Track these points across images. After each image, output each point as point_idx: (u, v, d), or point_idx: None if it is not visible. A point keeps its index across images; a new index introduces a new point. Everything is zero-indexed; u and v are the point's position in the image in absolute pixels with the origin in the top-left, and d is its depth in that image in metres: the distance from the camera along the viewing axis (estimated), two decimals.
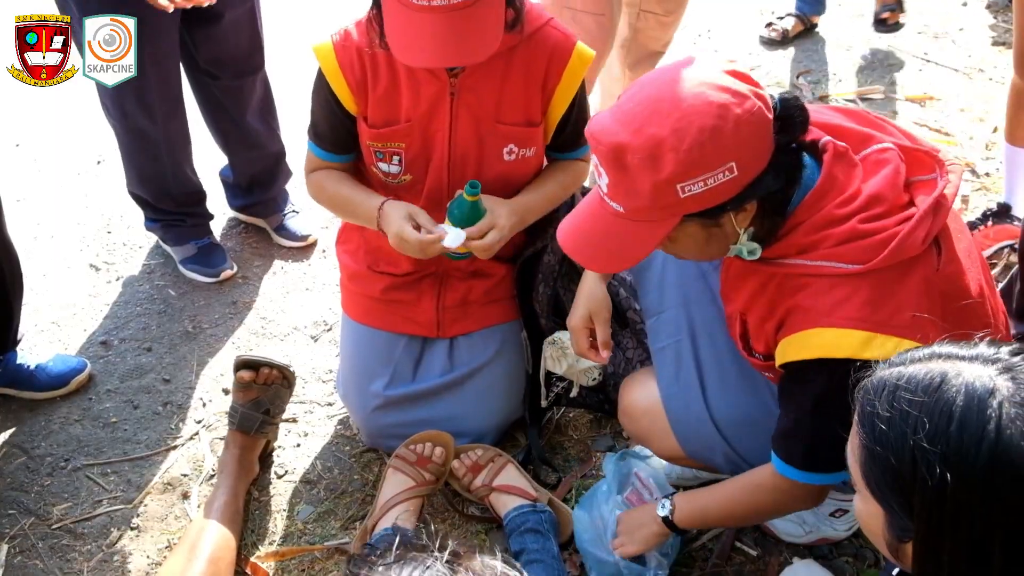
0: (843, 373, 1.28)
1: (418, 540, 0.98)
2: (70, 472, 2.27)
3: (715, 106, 1.31)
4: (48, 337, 2.69)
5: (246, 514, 2.12)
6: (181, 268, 2.89)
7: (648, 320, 1.92)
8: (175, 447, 2.33)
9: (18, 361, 2.43)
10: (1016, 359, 1.01)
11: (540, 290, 2.26)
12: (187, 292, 2.84)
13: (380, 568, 0.92)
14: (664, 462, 2.10)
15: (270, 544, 2.08)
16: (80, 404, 2.46)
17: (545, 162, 2.19)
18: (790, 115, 1.39)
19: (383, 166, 2.05)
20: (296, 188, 3.08)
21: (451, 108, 1.97)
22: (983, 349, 1.04)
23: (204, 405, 2.45)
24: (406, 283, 2.21)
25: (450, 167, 2.04)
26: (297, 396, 2.43)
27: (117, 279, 2.91)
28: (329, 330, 2.69)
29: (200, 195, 2.87)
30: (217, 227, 3.05)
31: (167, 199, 2.80)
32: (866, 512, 1.09)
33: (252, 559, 2.03)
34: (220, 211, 3.08)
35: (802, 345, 1.44)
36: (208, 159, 3.04)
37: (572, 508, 2.06)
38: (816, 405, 1.47)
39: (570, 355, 2.19)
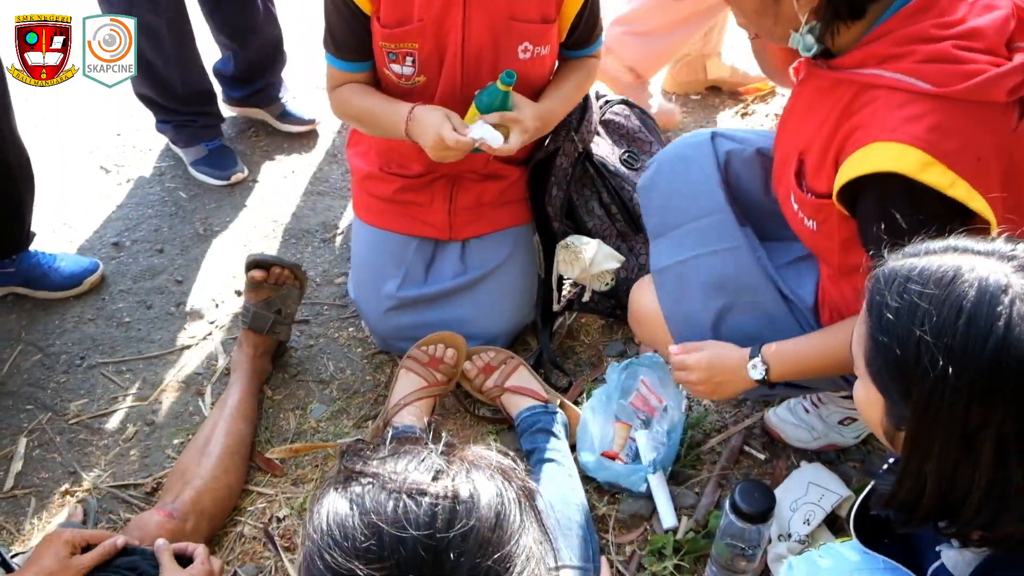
0: (900, 193, 1.30)
1: (415, 435, 0.98)
2: (85, 370, 2.29)
3: None
4: (60, 238, 2.69)
5: (260, 412, 2.15)
6: (191, 170, 2.87)
7: (651, 241, 1.89)
8: (189, 347, 2.35)
9: (31, 261, 2.44)
10: None
11: (553, 193, 2.23)
12: (198, 194, 2.83)
13: (374, 461, 0.92)
14: (668, 368, 2.11)
15: (283, 441, 2.11)
16: (94, 304, 2.47)
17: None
18: None
19: (396, 67, 2.01)
20: (291, 75, 3.03)
21: (464, 6, 1.92)
22: (1000, 245, 1.02)
23: (216, 306, 2.46)
24: (418, 185, 2.19)
25: (464, 67, 1.99)
26: (309, 298, 2.43)
27: (127, 181, 2.89)
28: (341, 233, 2.68)
29: (210, 94, 2.83)
30: (226, 132, 3.02)
31: (175, 98, 2.75)
32: (865, 399, 1.10)
33: (266, 455, 2.06)
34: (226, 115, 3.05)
35: (862, 159, 1.35)
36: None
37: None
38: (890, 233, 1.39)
39: (583, 259, 2.18)
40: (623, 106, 2.49)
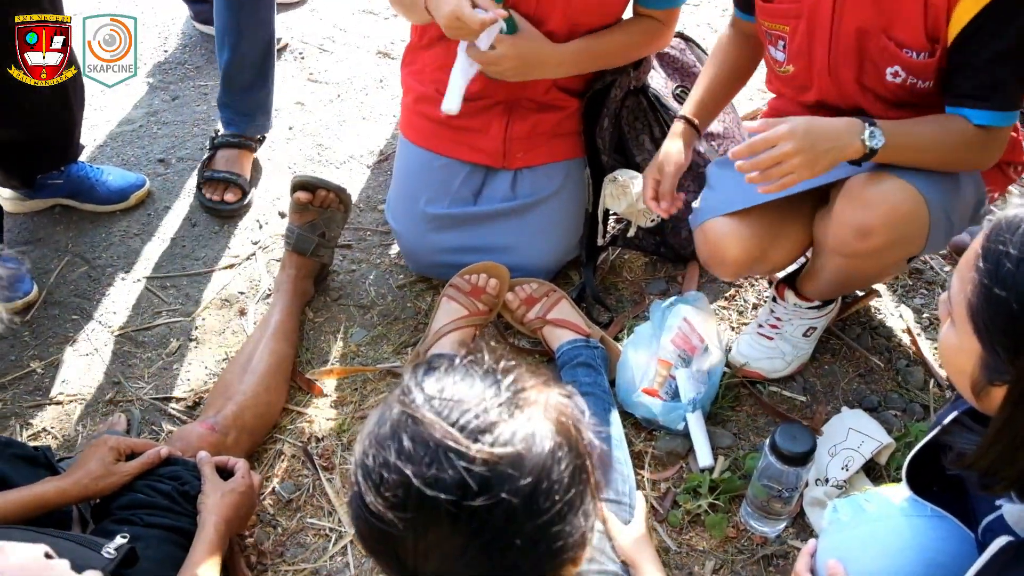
0: (1012, 8, 1.49)
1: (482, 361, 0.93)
2: (130, 283, 2.31)
3: None
4: (107, 153, 2.70)
5: (301, 333, 2.16)
6: None
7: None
8: (232, 266, 2.36)
9: (79, 173, 2.45)
10: None
11: (604, 125, 2.19)
12: None
13: (434, 397, 0.88)
14: (710, 308, 2.10)
15: (324, 363, 2.13)
16: (139, 219, 2.48)
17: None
18: None
19: None
20: None
21: None
22: None
23: (260, 227, 2.46)
24: (474, 109, 2.14)
25: None
26: (352, 223, 2.43)
27: (174, 100, 2.89)
28: (385, 160, 2.66)
29: None
30: None
31: None
32: (957, 347, 1.03)
33: (307, 375, 2.08)
34: None
35: None
36: None
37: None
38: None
39: (630, 194, 2.15)
40: (679, 39, 2.43)
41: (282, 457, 1.94)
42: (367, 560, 1.78)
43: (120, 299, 2.28)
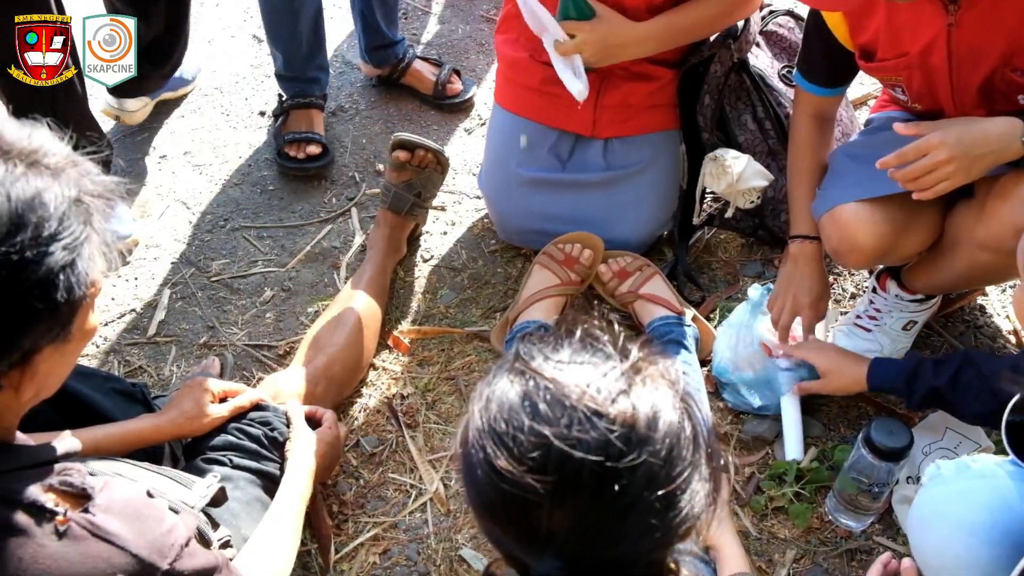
0: None
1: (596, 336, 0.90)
2: (228, 231, 2.36)
3: None
4: (211, 103, 2.74)
5: (391, 291, 2.17)
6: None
7: None
8: (327, 220, 2.38)
9: None
10: None
11: (705, 102, 2.15)
12: (344, 72, 2.83)
13: (553, 361, 0.87)
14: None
15: (412, 322, 2.14)
16: (240, 169, 2.52)
17: None
18: None
19: None
20: None
21: None
22: None
23: (356, 184, 2.48)
24: None
25: None
26: (447, 186, 2.42)
27: None
28: (483, 124, 2.65)
29: None
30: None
31: None
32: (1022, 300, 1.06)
33: (395, 333, 2.10)
34: None
35: None
36: None
37: (715, 328, 2.05)
38: None
39: (730, 174, 2.10)
40: (788, 17, 2.36)
41: (367, 411, 1.96)
42: (445, 519, 1.79)
43: (218, 246, 2.32)
